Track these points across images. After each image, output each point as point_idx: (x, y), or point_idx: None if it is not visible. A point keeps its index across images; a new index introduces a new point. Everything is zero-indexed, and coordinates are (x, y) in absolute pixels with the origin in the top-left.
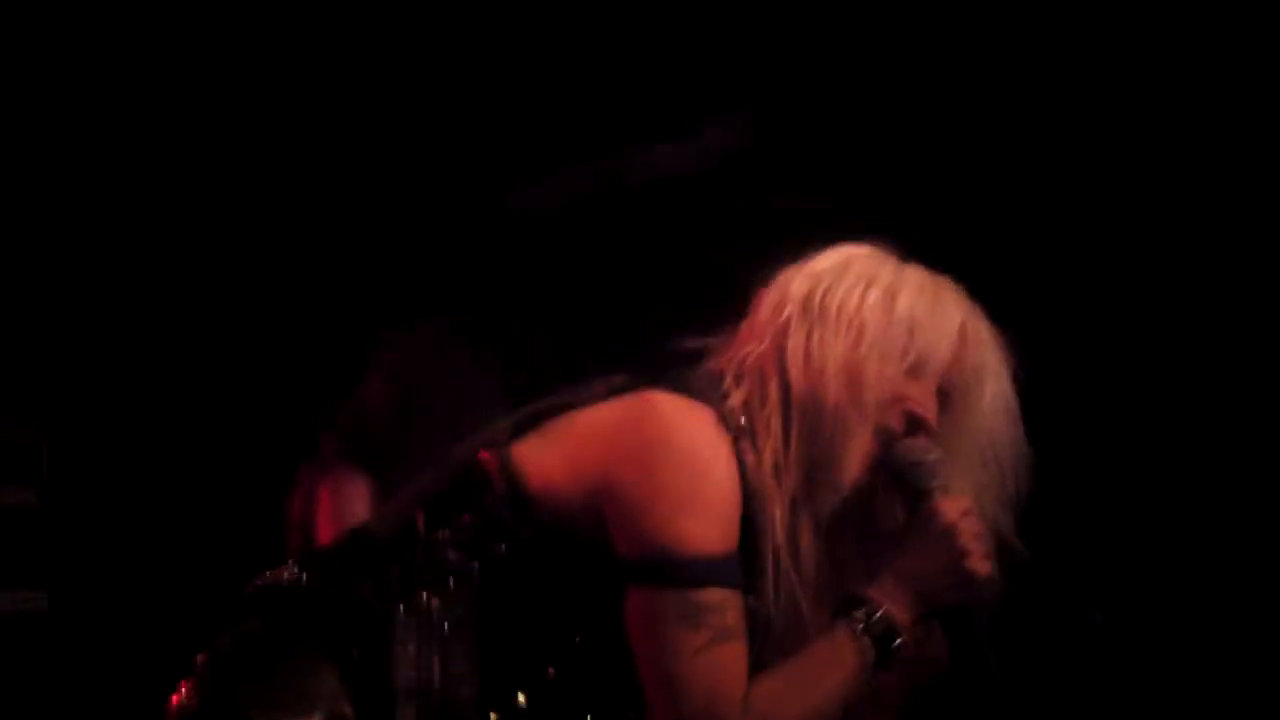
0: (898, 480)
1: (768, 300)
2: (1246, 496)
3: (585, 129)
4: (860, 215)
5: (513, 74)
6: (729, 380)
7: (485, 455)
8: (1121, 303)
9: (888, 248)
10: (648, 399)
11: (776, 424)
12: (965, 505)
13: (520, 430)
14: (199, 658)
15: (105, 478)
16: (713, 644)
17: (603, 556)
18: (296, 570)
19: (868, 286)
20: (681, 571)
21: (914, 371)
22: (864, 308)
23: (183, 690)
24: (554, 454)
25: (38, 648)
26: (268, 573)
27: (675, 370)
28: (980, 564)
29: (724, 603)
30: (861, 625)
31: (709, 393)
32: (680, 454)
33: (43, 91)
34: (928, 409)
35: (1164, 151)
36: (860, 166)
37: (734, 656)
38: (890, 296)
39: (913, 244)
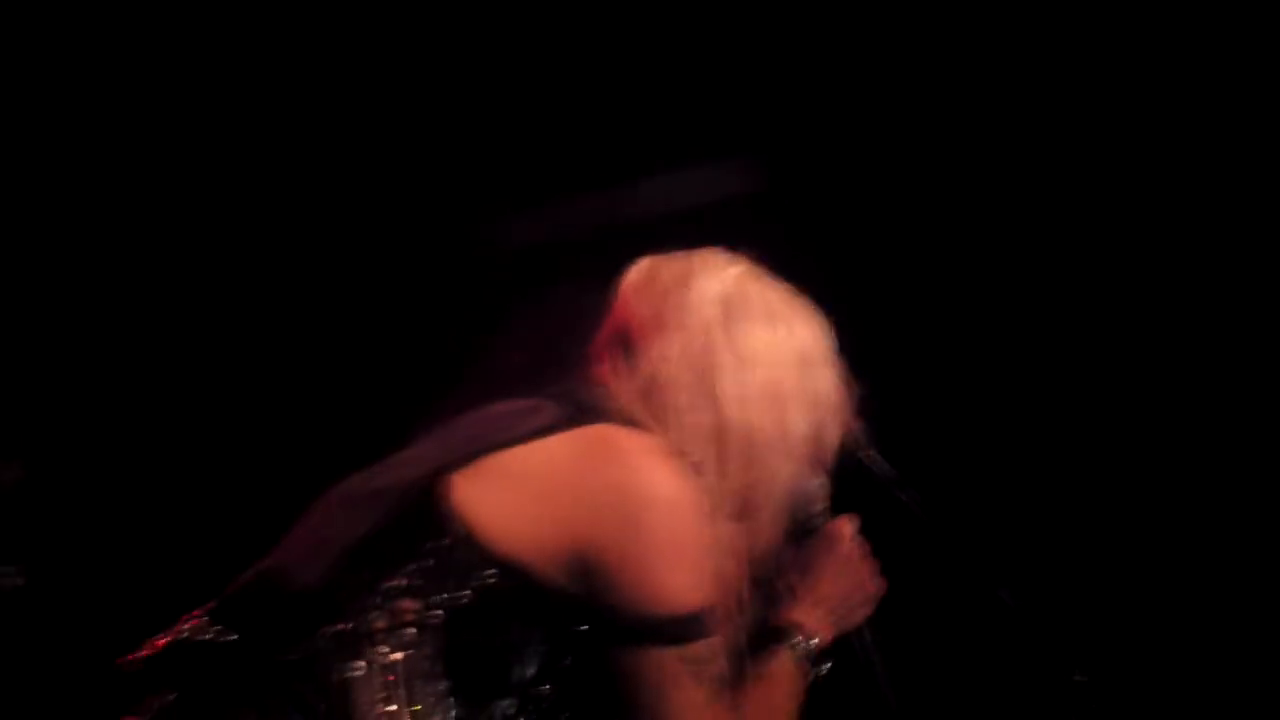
0: (794, 510)
1: (677, 326)
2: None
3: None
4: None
5: (500, 112)
6: (639, 408)
7: (428, 495)
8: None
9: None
10: (608, 440)
11: (711, 457)
12: (854, 525)
13: (452, 467)
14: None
15: (92, 453)
16: (710, 696)
17: (574, 604)
18: (210, 624)
19: (774, 321)
20: (678, 629)
21: (811, 402)
22: (776, 344)
23: None
24: (509, 499)
25: (11, 624)
26: (178, 628)
27: (577, 393)
28: (876, 581)
29: (712, 651)
30: (801, 652)
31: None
32: (663, 505)
33: (39, 94)
34: (822, 437)
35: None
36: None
37: (724, 704)
38: (793, 332)
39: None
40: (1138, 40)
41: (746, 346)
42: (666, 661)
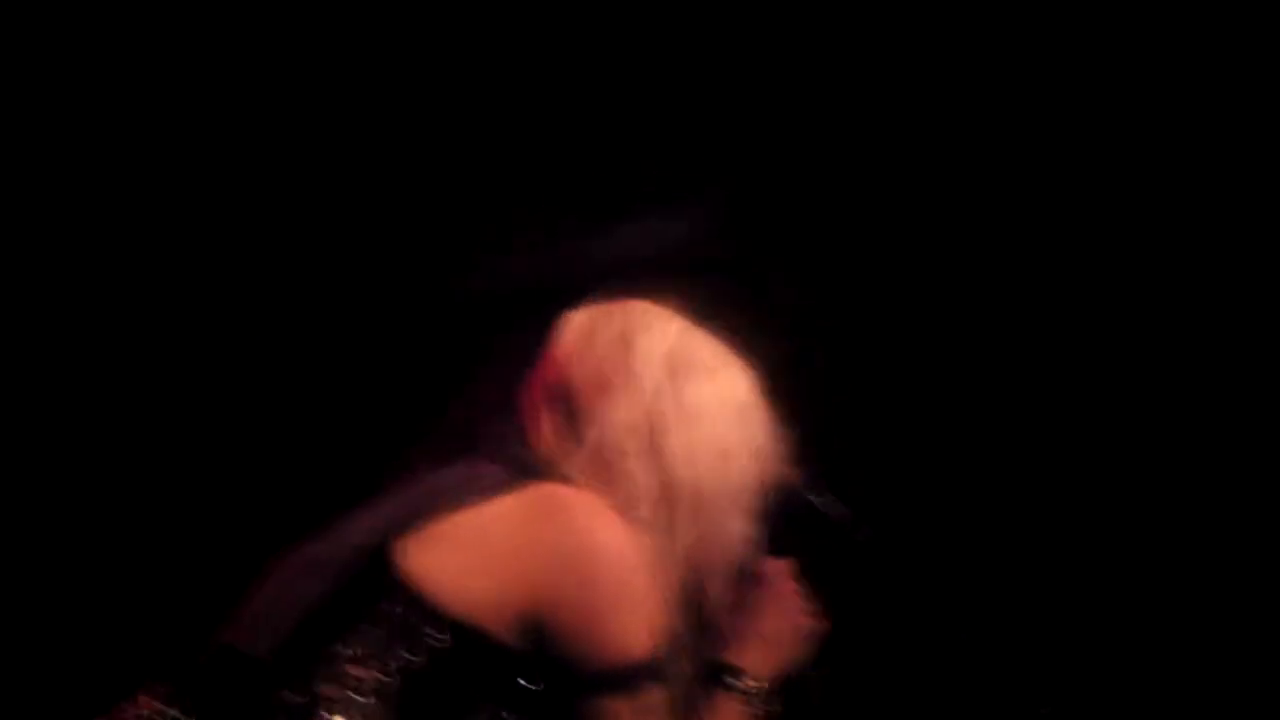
0: None
1: (609, 386)
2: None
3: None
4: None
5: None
6: (584, 469)
7: (378, 561)
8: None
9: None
10: (554, 498)
11: (662, 516)
12: (788, 565)
13: (401, 531)
14: None
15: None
16: None
17: (525, 662)
18: (169, 701)
19: (714, 377)
20: (629, 678)
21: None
22: (719, 400)
23: None
24: (459, 560)
25: None
26: (133, 705)
27: (519, 455)
28: (815, 621)
29: (662, 698)
30: (746, 693)
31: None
32: (612, 558)
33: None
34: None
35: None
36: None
37: None
38: (730, 380)
39: None
40: (1123, 68)
41: (692, 404)
42: (620, 711)
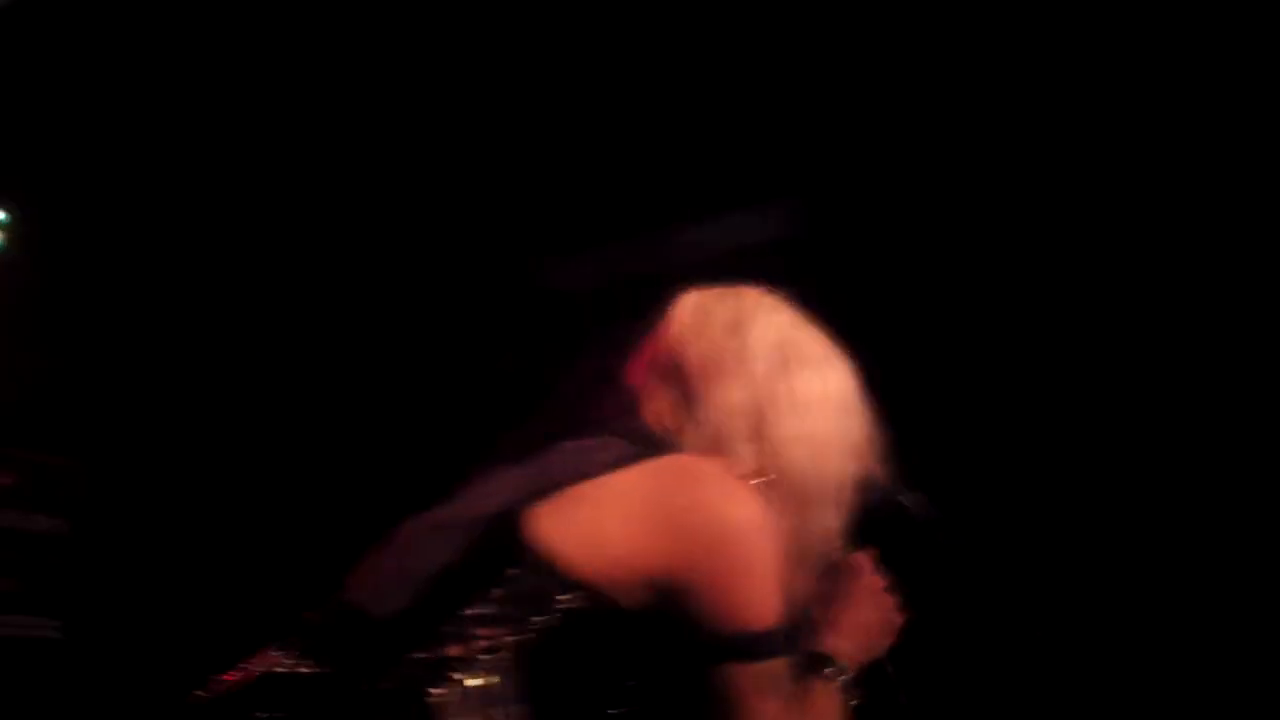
0: None
1: (725, 369)
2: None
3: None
4: None
5: (549, 151)
6: (702, 448)
7: (509, 526)
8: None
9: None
10: (686, 467)
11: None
12: (873, 557)
13: (532, 499)
14: None
15: (138, 509)
16: (782, 712)
17: (655, 625)
18: (293, 655)
19: (822, 370)
20: (756, 645)
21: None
22: (826, 393)
23: None
24: (592, 524)
25: (48, 675)
26: (259, 659)
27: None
28: (899, 612)
29: (783, 670)
30: (839, 680)
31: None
32: (744, 525)
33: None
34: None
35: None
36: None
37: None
38: (835, 374)
39: None
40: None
41: (800, 395)
42: (741, 678)
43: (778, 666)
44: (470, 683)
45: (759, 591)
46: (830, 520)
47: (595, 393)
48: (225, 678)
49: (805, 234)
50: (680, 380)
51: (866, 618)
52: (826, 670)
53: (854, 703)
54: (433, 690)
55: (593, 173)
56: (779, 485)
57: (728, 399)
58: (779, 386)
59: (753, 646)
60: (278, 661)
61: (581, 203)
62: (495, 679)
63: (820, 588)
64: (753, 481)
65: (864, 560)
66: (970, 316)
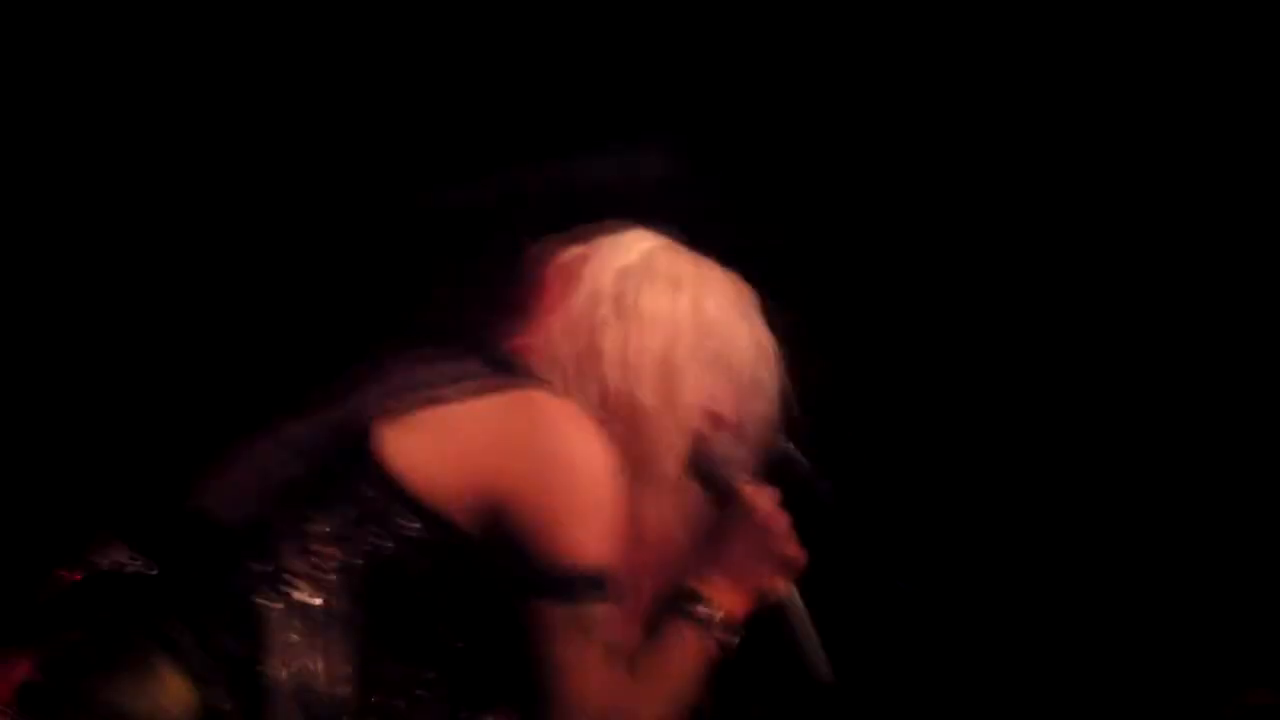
0: (707, 478)
1: (575, 292)
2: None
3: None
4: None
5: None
6: (549, 375)
7: (359, 443)
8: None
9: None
10: (536, 402)
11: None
12: (775, 496)
13: (383, 416)
14: (43, 650)
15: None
16: (603, 657)
17: (490, 560)
18: (130, 557)
19: (677, 289)
20: (581, 587)
21: (718, 373)
22: (676, 311)
23: (29, 673)
24: (436, 452)
25: None
26: (100, 558)
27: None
28: (797, 552)
29: (611, 615)
30: (703, 621)
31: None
32: (578, 466)
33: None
34: (729, 407)
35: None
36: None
37: (619, 667)
38: (698, 299)
39: None
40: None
41: (637, 315)
42: (557, 617)
43: (597, 612)
44: (299, 596)
45: (582, 532)
46: (676, 445)
47: (465, 312)
48: (66, 575)
49: (691, 171)
50: (533, 310)
51: (748, 556)
52: (695, 609)
53: (728, 647)
54: (263, 601)
55: (483, 99)
56: (612, 408)
57: (562, 324)
58: (606, 308)
59: (567, 587)
60: (121, 561)
61: (471, 129)
62: (327, 597)
63: (706, 522)
64: (600, 415)
65: (759, 495)
66: (872, 260)
